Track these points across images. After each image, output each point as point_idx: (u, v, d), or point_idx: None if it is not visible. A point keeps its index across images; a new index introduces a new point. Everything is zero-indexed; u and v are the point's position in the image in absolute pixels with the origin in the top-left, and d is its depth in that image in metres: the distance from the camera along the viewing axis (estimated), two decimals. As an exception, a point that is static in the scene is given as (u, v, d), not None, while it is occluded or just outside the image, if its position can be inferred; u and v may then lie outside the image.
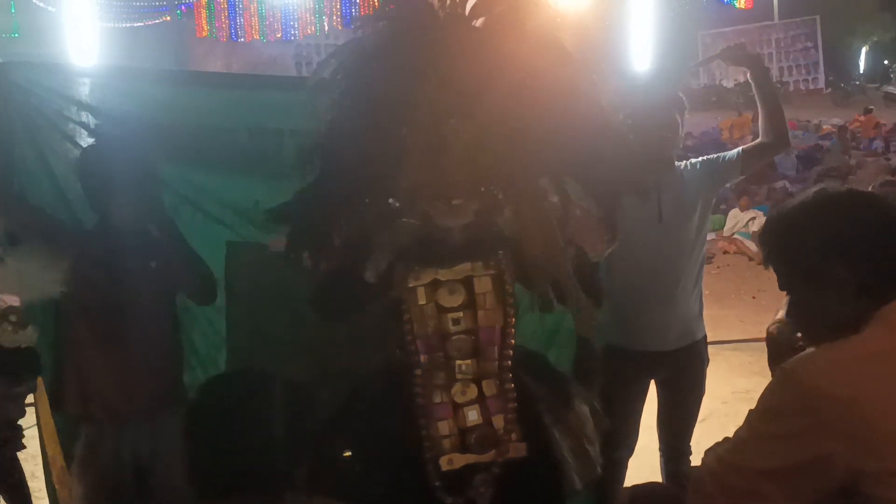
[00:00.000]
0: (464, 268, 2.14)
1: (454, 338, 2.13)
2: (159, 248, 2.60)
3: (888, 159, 13.84)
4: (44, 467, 2.77)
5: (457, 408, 2.13)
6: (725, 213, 11.06)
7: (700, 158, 3.05)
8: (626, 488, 1.74)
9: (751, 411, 1.49)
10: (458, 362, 2.14)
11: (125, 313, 2.49)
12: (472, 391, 2.14)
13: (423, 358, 2.15)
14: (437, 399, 2.14)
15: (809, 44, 25.51)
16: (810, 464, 1.38)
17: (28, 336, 2.29)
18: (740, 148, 3.03)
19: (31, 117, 2.67)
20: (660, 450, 3.14)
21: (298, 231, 2.15)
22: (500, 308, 2.15)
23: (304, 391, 1.62)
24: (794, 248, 1.55)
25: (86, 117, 2.71)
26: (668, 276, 2.93)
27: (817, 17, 25.19)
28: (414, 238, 2.18)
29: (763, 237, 1.63)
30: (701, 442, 2.27)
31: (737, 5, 22.48)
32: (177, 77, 3.57)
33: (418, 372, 2.15)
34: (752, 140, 3.14)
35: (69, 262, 2.48)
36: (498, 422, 2.13)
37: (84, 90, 2.76)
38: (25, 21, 16.67)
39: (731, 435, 1.53)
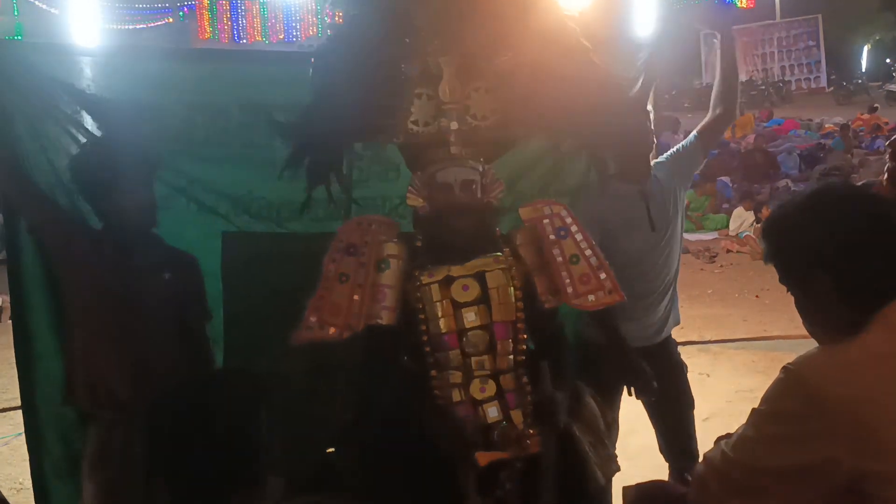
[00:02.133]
0: (475, 263, 2.15)
1: (470, 333, 2.13)
2: (165, 247, 2.60)
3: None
4: (31, 474, 2.74)
5: (476, 405, 2.13)
6: (729, 213, 11.04)
7: (664, 156, 3.04)
8: (630, 486, 1.74)
9: (754, 410, 1.49)
10: (474, 359, 2.14)
11: (134, 308, 2.48)
12: (492, 387, 2.15)
13: (438, 357, 2.15)
14: (457, 397, 2.14)
15: (811, 43, 25.44)
16: (815, 465, 1.38)
17: None
18: (695, 131, 3.04)
19: (29, 102, 2.58)
20: (661, 452, 3.09)
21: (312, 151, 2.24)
22: (512, 302, 2.16)
23: (255, 387, 1.59)
24: (784, 252, 1.56)
25: (78, 107, 2.61)
26: (665, 279, 2.93)
27: (819, 16, 25.13)
28: (425, 236, 2.20)
29: (764, 233, 1.65)
30: (704, 441, 2.26)
31: (738, 4, 22.47)
32: (168, 54, 3.51)
33: (434, 373, 2.15)
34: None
35: (79, 259, 2.48)
36: (517, 417, 2.13)
37: (76, 69, 2.68)
38: (28, 23, 16.70)
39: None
